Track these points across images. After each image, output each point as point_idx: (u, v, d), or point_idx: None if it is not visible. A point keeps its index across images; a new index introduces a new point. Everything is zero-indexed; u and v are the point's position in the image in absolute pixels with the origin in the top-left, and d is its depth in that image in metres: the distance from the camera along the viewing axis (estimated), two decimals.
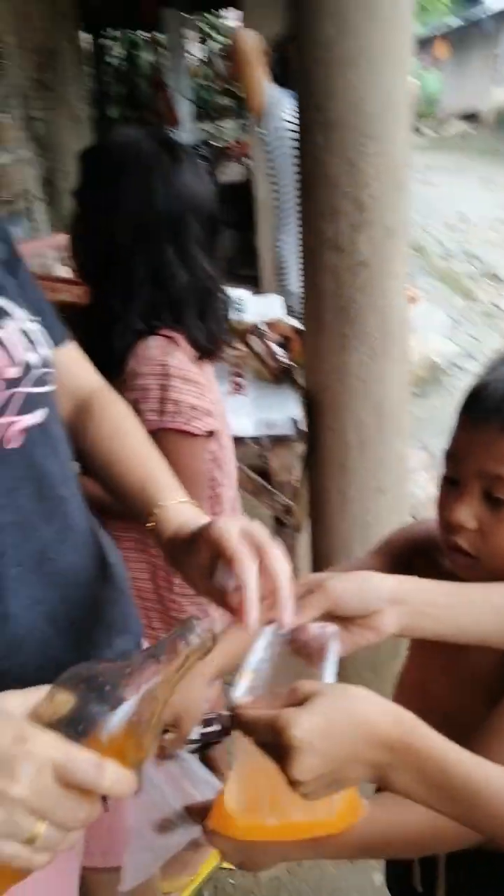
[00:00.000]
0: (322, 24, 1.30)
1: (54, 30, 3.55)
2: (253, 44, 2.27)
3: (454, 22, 15.91)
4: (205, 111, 8.63)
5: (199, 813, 0.70)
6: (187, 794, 0.71)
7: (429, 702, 0.77)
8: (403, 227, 1.43)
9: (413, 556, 0.93)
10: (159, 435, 1.06)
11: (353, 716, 0.51)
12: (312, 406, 1.64)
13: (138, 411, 1.07)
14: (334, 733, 0.50)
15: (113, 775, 0.51)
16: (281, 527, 1.66)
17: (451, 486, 0.82)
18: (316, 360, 1.60)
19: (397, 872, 1.06)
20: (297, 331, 1.77)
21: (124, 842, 0.99)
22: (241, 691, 0.55)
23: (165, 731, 0.75)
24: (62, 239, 1.20)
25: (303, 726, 0.49)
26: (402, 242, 1.44)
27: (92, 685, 0.52)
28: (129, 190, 1.07)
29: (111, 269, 1.10)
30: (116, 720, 0.51)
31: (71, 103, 3.73)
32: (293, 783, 0.50)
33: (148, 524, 0.74)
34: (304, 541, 1.82)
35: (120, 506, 0.83)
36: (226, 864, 1.64)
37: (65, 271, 2.19)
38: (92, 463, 0.84)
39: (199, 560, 0.65)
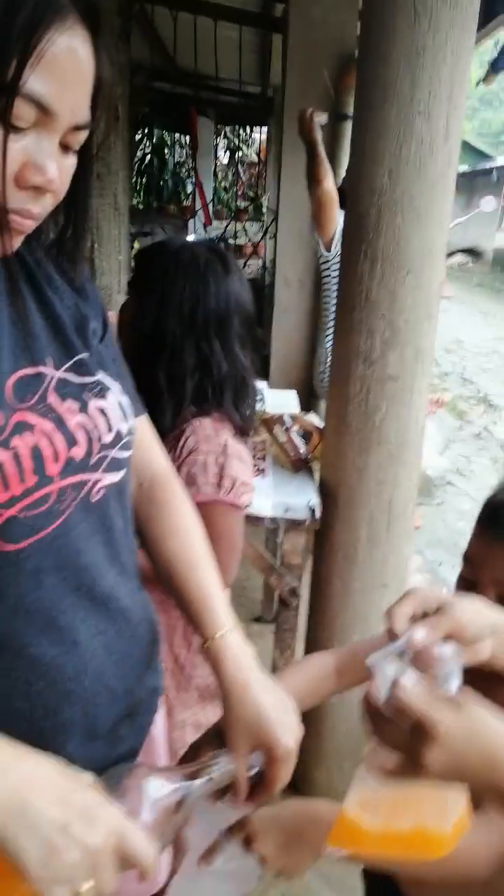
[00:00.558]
0: (376, 175, 1.53)
1: (110, 130, 3.89)
2: (333, 185, 2.61)
3: (467, 169, 17.89)
4: (224, 211, 9.19)
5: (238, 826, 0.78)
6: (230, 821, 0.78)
7: None
8: (431, 350, 1.61)
9: None
10: (212, 506, 1.19)
11: (501, 738, 0.57)
12: (328, 498, 1.77)
13: (193, 483, 1.20)
14: (475, 745, 0.56)
15: (154, 854, 0.63)
16: (285, 607, 1.75)
17: (468, 586, 0.94)
18: (336, 457, 1.75)
19: None
20: (318, 428, 1.93)
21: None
22: (392, 674, 0.61)
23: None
24: (112, 317, 1.34)
25: (450, 724, 0.56)
26: (428, 363, 1.62)
27: (127, 785, 0.68)
28: (185, 289, 1.22)
29: (160, 354, 1.24)
30: (146, 815, 0.66)
31: (116, 194, 4.04)
32: (420, 767, 0.57)
33: (206, 641, 0.85)
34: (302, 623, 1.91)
35: (174, 598, 0.92)
36: None
37: None
38: (156, 551, 0.93)
39: (248, 743, 0.79)
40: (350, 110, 3.37)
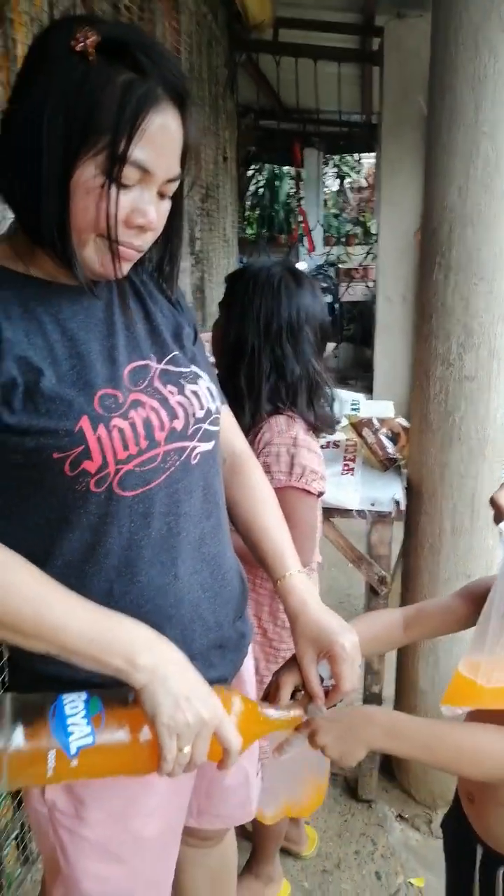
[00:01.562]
0: (447, 192, 1.67)
1: (219, 169, 4.23)
2: None
3: None
4: (334, 237, 9.42)
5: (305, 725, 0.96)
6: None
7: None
8: None
9: None
10: (285, 492, 1.36)
11: None
12: (413, 493, 1.90)
13: (268, 472, 1.38)
14: None
15: (239, 746, 0.85)
16: (374, 595, 1.88)
17: None
18: (419, 454, 1.87)
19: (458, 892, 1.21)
20: (405, 429, 2.06)
21: (217, 808, 1.22)
22: None
23: (297, 691, 1.00)
24: (208, 336, 1.56)
25: None
26: (503, 363, 1.72)
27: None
28: (261, 303, 1.42)
29: (241, 360, 1.43)
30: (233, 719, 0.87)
31: (223, 227, 4.37)
32: None
33: (277, 582, 1.06)
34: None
35: (251, 552, 1.12)
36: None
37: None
38: (235, 514, 1.13)
39: (313, 650, 0.99)
40: None
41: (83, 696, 0.82)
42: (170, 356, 0.98)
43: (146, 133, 0.81)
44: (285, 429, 1.40)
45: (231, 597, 1.06)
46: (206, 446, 0.99)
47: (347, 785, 2.15)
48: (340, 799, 2.11)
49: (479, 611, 1.16)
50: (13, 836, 1.73)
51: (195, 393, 0.98)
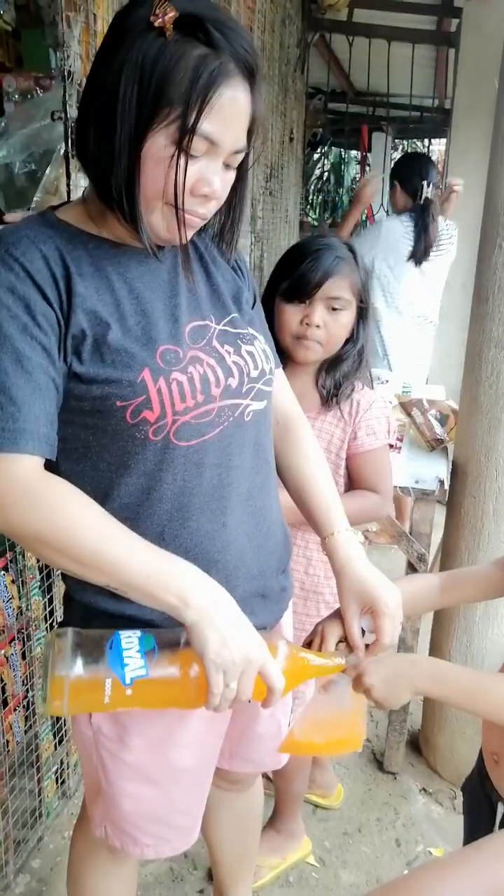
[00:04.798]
0: None
1: (283, 149, 4.25)
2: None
3: None
4: None
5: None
6: None
7: None
8: None
9: None
10: (383, 449, 1.52)
11: None
12: (458, 474, 1.92)
13: (373, 433, 1.50)
14: None
15: (282, 686, 0.89)
16: (413, 572, 1.91)
17: None
18: (467, 436, 1.88)
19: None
20: (454, 411, 2.07)
21: (248, 753, 1.28)
22: None
23: (339, 643, 1.06)
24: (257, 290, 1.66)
25: None
26: None
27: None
28: None
29: None
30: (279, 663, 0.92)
31: (286, 208, 4.39)
32: None
33: (324, 539, 1.10)
34: None
35: (300, 510, 1.17)
36: (310, 860, 1.83)
37: None
38: (286, 474, 1.18)
39: (357, 605, 1.03)
40: None
41: (138, 633, 0.89)
42: (228, 318, 1.04)
43: (216, 106, 0.85)
44: (374, 395, 1.54)
45: (275, 549, 1.12)
46: (259, 405, 1.04)
47: (374, 756, 2.19)
48: (366, 769, 2.16)
49: None
50: (53, 770, 1.84)
51: (251, 353, 1.03)
